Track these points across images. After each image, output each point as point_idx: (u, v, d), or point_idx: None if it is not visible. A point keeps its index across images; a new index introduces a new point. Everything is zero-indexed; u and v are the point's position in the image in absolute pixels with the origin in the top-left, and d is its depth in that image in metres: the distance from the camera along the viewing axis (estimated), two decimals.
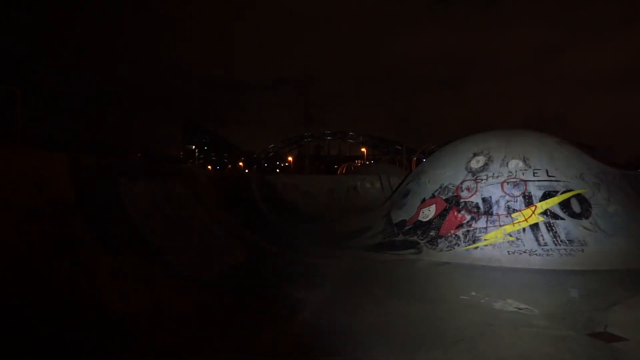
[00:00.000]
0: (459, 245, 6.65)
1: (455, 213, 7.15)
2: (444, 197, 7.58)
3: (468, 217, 6.97)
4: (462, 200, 7.27)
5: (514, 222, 6.58)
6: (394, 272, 5.73)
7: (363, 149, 71.60)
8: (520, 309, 3.99)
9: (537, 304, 4.10)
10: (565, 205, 6.62)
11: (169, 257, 4.43)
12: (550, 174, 7.03)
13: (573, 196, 6.71)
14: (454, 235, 6.83)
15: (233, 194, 9.41)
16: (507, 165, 7.35)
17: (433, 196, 7.80)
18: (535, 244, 6.20)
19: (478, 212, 6.95)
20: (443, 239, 6.88)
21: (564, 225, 6.36)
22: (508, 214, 6.72)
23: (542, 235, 6.28)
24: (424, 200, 7.94)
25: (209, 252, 5.33)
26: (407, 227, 7.68)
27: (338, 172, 41.28)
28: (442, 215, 7.31)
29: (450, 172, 7.94)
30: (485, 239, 6.54)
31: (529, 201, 6.75)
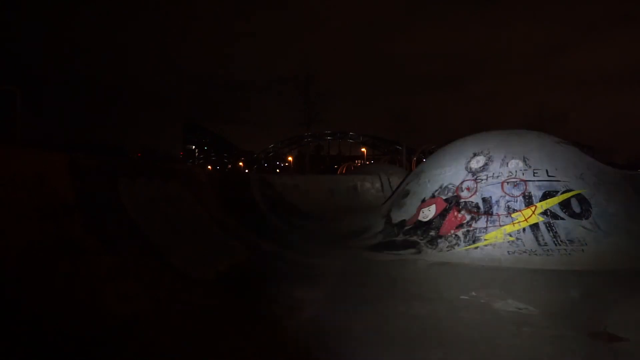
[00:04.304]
0: (459, 245, 6.65)
1: (455, 213, 7.15)
2: (444, 197, 7.58)
3: (468, 217, 6.97)
4: (462, 200, 7.27)
5: (514, 222, 6.58)
6: (394, 272, 5.73)
7: (363, 149, 71.62)
8: (520, 309, 3.99)
9: (537, 304, 4.10)
10: (565, 205, 6.62)
11: (169, 257, 4.43)
12: (550, 174, 7.03)
13: (573, 196, 6.71)
14: (454, 235, 6.84)
15: (233, 193, 9.41)
16: (507, 165, 7.35)
17: (433, 196, 7.80)
18: (535, 244, 6.20)
19: (478, 212, 6.95)
20: (443, 239, 6.88)
21: (564, 225, 6.36)
22: (508, 214, 6.72)
23: (542, 235, 6.28)
24: (424, 200, 7.94)
25: (209, 252, 5.33)
26: (407, 227, 7.68)
27: (338, 172, 41.24)
28: (442, 215, 7.31)
29: (450, 172, 7.94)
30: (485, 239, 6.54)
31: (529, 201, 6.75)
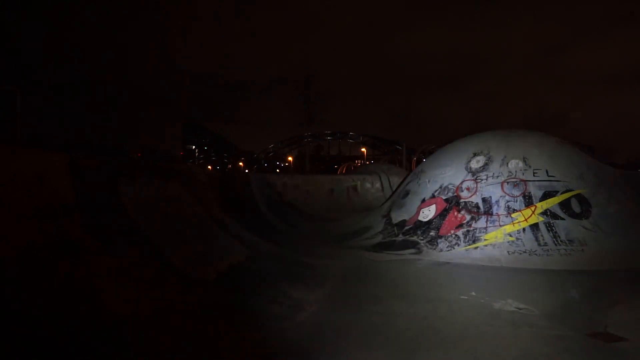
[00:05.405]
0: (459, 245, 6.65)
1: (455, 213, 7.15)
2: (444, 197, 7.58)
3: (468, 217, 6.97)
4: (462, 200, 7.27)
5: (514, 222, 6.58)
6: (394, 272, 5.73)
7: (363, 149, 71.59)
8: (520, 309, 3.99)
9: (537, 304, 4.10)
10: (565, 205, 6.62)
11: (169, 257, 4.43)
12: (550, 174, 7.03)
13: (573, 196, 6.72)
14: (454, 235, 6.84)
15: (233, 194, 9.41)
16: (507, 165, 7.35)
17: (433, 196, 7.80)
18: (535, 244, 6.20)
19: (478, 212, 6.95)
20: (443, 239, 6.88)
21: (564, 225, 6.36)
22: (508, 214, 6.72)
23: (542, 235, 6.28)
24: (424, 200, 7.94)
25: (209, 252, 5.32)
26: (407, 227, 7.68)
27: (338, 172, 41.22)
28: (442, 215, 7.31)
29: (450, 172, 7.94)
30: (485, 239, 6.54)
31: (529, 201, 6.75)
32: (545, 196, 6.75)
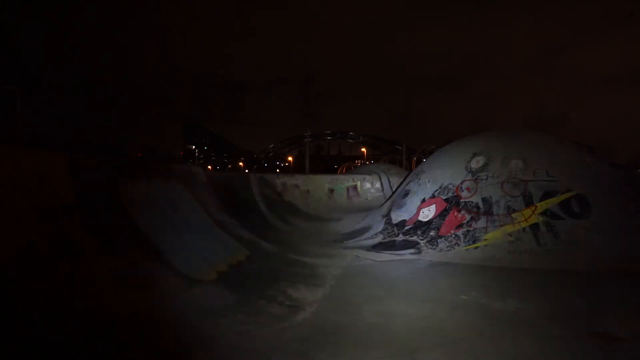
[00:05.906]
0: (459, 245, 6.64)
1: (456, 213, 7.15)
2: (444, 197, 7.58)
3: (468, 217, 6.97)
4: (462, 200, 7.27)
5: (514, 222, 6.58)
6: (394, 272, 5.73)
7: (363, 149, 71.62)
8: (520, 309, 3.99)
9: (537, 304, 4.10)
10: (565, 205, 6.62)
11: (169, 257, 4.43)
12: (550, 174, 7.03)
13: (573, 196, 6.71)
14: (454, 235, 6.83)
15: (233, 194, 9.42)
16: (507, 165, 7.35)
17: (433, 196, 7.80)
18: (535, 244, 6.20)
19: (478, 212, 6.95)
20: (443, 239, 6.88)
21: (564, 225, 6.35)
22: (508, 214, 6.72)
23: (542, 236, 6.28)
24: (424, 200, 7.94)
25: (208, 252, 5.32)
26: (407, 227, 7.68)
27: (338, 172, 41.19)
28: (442, 215, 7.31)
29: (450, 172, 7.94)
30: (485, 239, 6.54)
31: (529, 201, 6.75)
32: (545, 196, 6.74)
